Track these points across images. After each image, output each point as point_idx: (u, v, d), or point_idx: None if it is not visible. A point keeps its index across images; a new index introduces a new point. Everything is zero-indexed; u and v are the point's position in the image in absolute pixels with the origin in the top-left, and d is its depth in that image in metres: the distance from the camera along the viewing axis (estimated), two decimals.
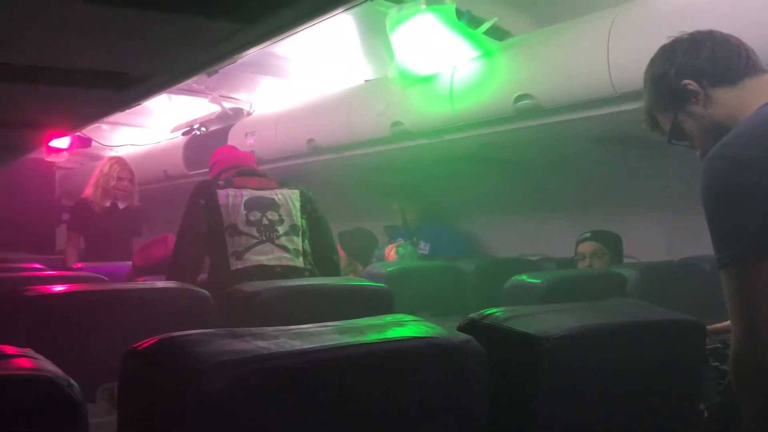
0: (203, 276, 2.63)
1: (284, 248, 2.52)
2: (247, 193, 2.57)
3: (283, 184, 2.69)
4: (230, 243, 2.50)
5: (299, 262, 2.54)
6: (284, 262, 2.51)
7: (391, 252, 4.01)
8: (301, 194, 2.66)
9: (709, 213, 1.29)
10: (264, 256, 2.49)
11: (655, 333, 1.17)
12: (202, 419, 0.79)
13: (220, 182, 2.62)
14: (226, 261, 2.49)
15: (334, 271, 2.73)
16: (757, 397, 1.20)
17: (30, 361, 0.84)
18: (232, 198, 2.55)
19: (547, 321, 1.11)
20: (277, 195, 2.60)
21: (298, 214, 2.60)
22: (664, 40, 2.25)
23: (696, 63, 1.48)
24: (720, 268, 1.25)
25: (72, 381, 0.78)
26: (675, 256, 3.13)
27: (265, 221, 2.53)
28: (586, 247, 2.95)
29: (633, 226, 3.20)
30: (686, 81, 1.48)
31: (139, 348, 0.89)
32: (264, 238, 2.51)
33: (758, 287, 1.21)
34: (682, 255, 3.02)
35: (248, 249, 2.49)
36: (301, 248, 2.56)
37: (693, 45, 1.51)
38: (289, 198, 2.62)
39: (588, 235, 2.98)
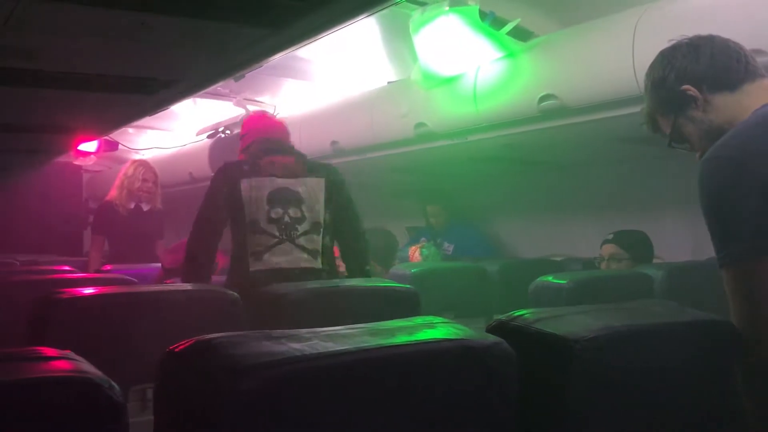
0: (219, 278, 2.67)
1: (303, 248, 2.53)
2: (272, 184, 2.55)
3: (311, 167, 2.64)
4: (251, 241, 2.51)
5: (317, 263, 2.55)
6: (302, 264, 2.52)
7: (415, 253, 4.01)
8: (327, 183, 2.62)
9: (706, 214, 1.33)
10: (283, 257, 2.51)
11: (687, 334, 1.17)
12: (239, 420, 0.81)
13: (245, 167, 2.59)
14: (246, 260, 2.51)
15: (359, 257, 2.71)
16: (759, 394, 1.23)
17: (71, 362, 0.86)
18: (256, 190, 2.53)
19: (576, 322, 1.11)
20: (301, 186, 2.58)
21: (322, 208, 2.58)
22: None
23: (696, 68, 1.50)
24: (720, 268, 1.29)
25: (112, 382, 0.80)
26: (701, 255, 3.11)
27: (286, 218, 2.53)
28: (606, 250, 2.93)
29: (659, 226, 3.18)
30: (686, 86, 1.50)
31: (176, 350, 0.91)
32: (284, 237, 2.52)
33: (757, 287, 1.24)
34: (708, 255, 2.99)
35: (268, 249, 2.50)
36: (320, 247, 2.56)
37: (693, 50, 1.52)
38: (314, 190, 2.59)
39: (610, 236, 2.96)
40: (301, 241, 2.53)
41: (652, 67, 1.60)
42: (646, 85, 1.62)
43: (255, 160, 2.61)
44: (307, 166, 2.64)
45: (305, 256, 2.53)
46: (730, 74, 1.48)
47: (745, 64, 1.48)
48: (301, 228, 2.54)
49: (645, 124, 1.66)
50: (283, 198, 2.55)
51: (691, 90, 1.49)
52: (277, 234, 2.52)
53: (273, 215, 2.52)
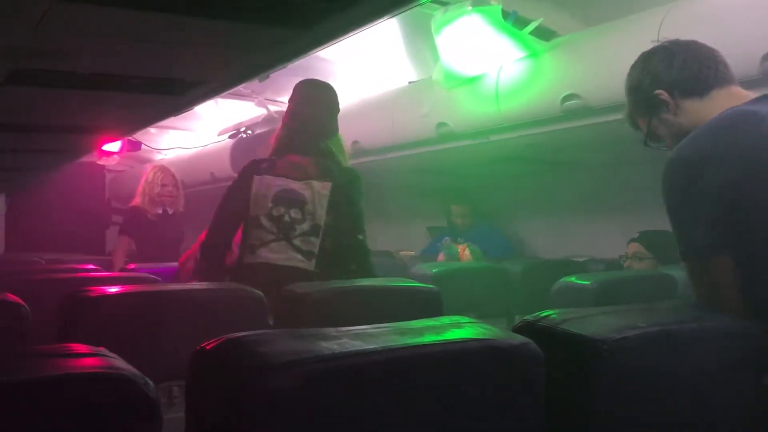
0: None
1: (298, 249, 2.55)
2: (281, 184, 2.60)
3: (324, 170, 2.64)
4: (249, 234, 2.57)
5: (311, 264, 2.56)
6: (294, 263, 2.54)
7: (465, 251, 3.98)
8: (333, 187, 2.61)
9: (667, 211, 1.45)
10: (276, 254, 2.54)
11: (716, 337, 1.16)
12: (270, 417, 0.82)
13: (264, 164, 2.65)
14: (242, 252, 2.58)
15: (349, 258, 2.64)
16: None
17: (105, 359, 0.88)
18: (265, 188, 2.59)
19: (604, 323, 1.11)
20: (307, 190, 2.60)
21: (323, 212, 2.59)
22: (714, 39, 2.23)
23: (668, 74, 1.61)
24: (682, 260, 1.41)
25: (147, 379, 0.82)
26: None
27: (287, 218, 2.56)
28: (630, 248, 2.92)
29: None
30: (659, 91, 1.61)
31: (207, 347, 0.92)
32: (281, 236, 2.55)
33: (713, 279, 1.36)
34: None
35: (264, 244, 2.55)
36: (316, 250, 2.57)
37: (668, 56, 1.63)
38: (319, 193, 2.60)
39: (636, 235, 2.94)
40: (297, 241, 2.56)
41: (631, 70, 1.71)
42: (626, 88, 1.73)
43: (275, 159, 2.66)
44: (321, 169, 2.64)
45: (299, 256, 2.55)
46: (699, 81, 1.58)
47: (715, 71, 1.58)
48: (300, 229, 2.57)
49: (626, 122, 1.79)
50: (286, 198, 2.59)
51: (663, 95, 1.61)
52: (275, 231, 2.56)
53: (274, 213, 2.57)
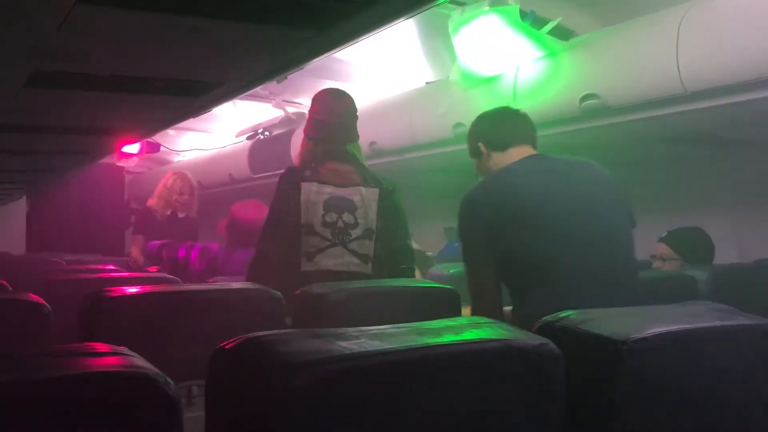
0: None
1: (354, 253, 2.56)
2: (329, 191, 2.60)
3: (366, 177, 2.67)
4: (304, 242, 2.54)
5: (367, 267, 2.58)
6: (352, 268, 2.55)
7: None
8: (381, 193, 2.65)
9: (457, 231, 2.13)
10: (333, 260, 2.54)
11: (738, 338, 1.15)
12: (289, 416, 0.82)
13: (307, 172, 2.63)
14: (297, 260, 2.55)
15: (398, 259, 2.69)
16: None
17: (126, 358, 0.89)
18: (315, 195, 2.58)
19: (623, 323, 1.10)
20: (356, 195, 2.62)
21: (374, 216, 2.62)
22: (734, 38, 2.21)
23: (486, 132, 2.26)
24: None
25: (168, 378, 0.82)
26: (748, 258, 3.04)
27: (340, 223, 2.57)
28: (658, 249, 2.89)
29: (703, 227, 3.12)
30: (479, 143, 2.25)
31: (227, 347, 0.93)
32: (337, 241, 2.55)
33: (477, 280, 2.05)
34: (755, 257, 2.94)
35: (320, 251, 2.54)
36: (372, 253, 2.60)
37: (489, 118, 2.29)
38: (368, 199, 2.63)
39: (664, 235, 2.91)
40: (354, 245, 2.57)
41: (471, 125, 2.35)
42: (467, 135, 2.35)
43: (316, 166, 2.66)
44: (363, 176, 2.67)
45: (356, 260, 2.56)
46: (503, 139, 2.19)
47: (512, 132, 2.20)
48: (354, 233, 2.58)
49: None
50: (338, 204, 2.59)
51: (481, 146, 2.24)
52: (330, 237, 2.55)
53: (327, 219, 2.56)
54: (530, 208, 1.95)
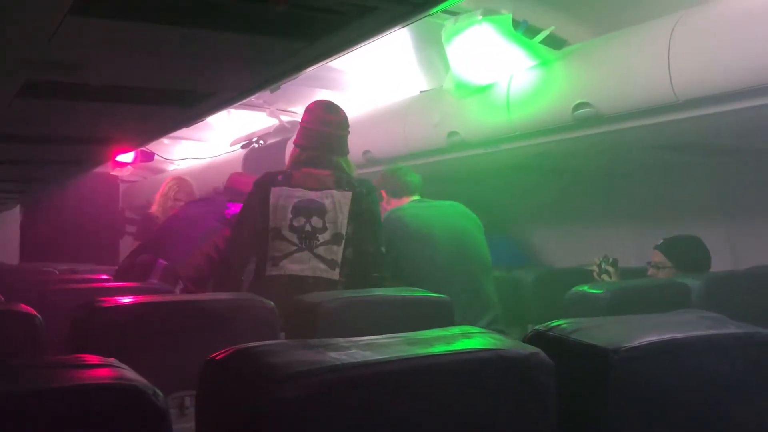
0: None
1: (321, 258, 2.55)
2: (299, 195, 2.60)
3: (341, 181, 2.65)
4: (271, 246, 2.56)
5: (334, 273, 2.55)
6: (318, 273, 2.54)
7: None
8: (354, 196, 2.63)
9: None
10: (299, 265, 2.54)
11: (728, 347, 1.15)
12: (279, 428, 0.82)
13: (280, 176, 2.65)
14: (264, 264, 2.57)
15: (370, 267, 2.63)
16: None
17: (115, 370, 0.88)
18: (284, 199, 2.59)
19: (615, 332, 1.10)
20: (327, 199, 2.61)
21: (345, 220, 2.59)
22: (726, 46, 2.22)
23: (389, 185, 3.15)
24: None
25: (157, 390, 0.82)
26: (741, 265, 3.05)
27: (308, 228, 2.56)
28: (654, 257, 2.89)
29: (698, 235, 3.14)
30: (382, 190, 3.06)
31: (217, 358, 0.92)
32: (303, 246, 2.55)
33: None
34: (748, 264, 2.94)
35: (286, 256, 2.54)
36: (339, 258, 2.57)
37: (389, 174, 3.21)
38: (340, 202, 2.61)
39: (660, 242, 2.90)
40: (320, 250, 2.56)
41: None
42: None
43: (291, 171, 2.67)
44: (338, 180, 2.66)
45: (322, 266, 2.55)
46: (397, 190, 3.12)
47: (406, 188, 3.13)
48: (322, 238, 2.57)
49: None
50: (307, 208, 2.59)
51: (383, 193, 3.09)
52: (296, 242, 2.55)
53: (295, 223, 2.57)
54: (411, 231, 2.90)
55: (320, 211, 2.59)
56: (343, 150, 2.78)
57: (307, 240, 2.56)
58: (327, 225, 2.58)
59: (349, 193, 2.63)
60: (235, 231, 2.69)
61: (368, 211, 2.66)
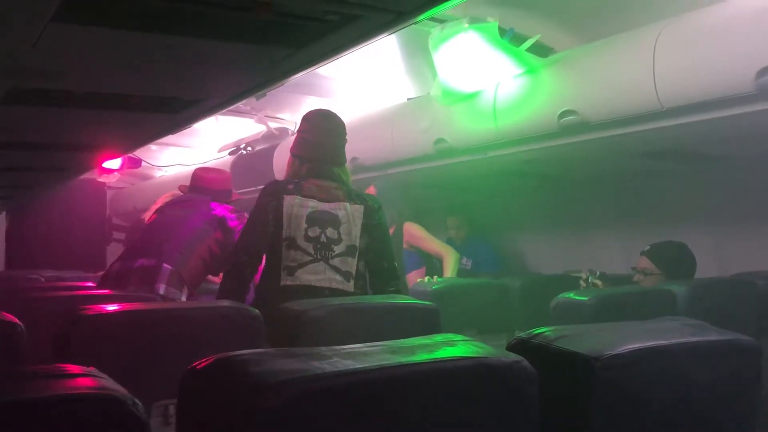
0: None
1: (336, 269, 2.53)
2: (312, 205, 2.57)
3: (351, 194, 2.66)
4: (285, 256, 2.51)
5: (349, 285, 2.54)
6: (333, 285, 2.52)
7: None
8: (366, 210, 2.63)
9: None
10: (315, 275, 2.51)
11: (710, 353, 1.15)
12: None
13: (290, 186, 2.61)
14: (277, 274, 2.51)
15: (384, 276, 2.67)
16: None
17: (95, 380, 0.88)
18: (298, 208, 2.55)
19: (598, 340, 1.11)
20: (341, 211, 2.60)
21: (358, 233, 2.59)
22: (710, 55, 2.24)
23: None
24: None
25: (136, 400, 0.81)
26: (727, 271, 3.07)
27: (323, 238, 2.54)
28: (640, 263, 2.89)
29: (685, 241, 3.16)
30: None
31: (198, 367, 0.92)
32: (319, 257, 2.52)
33: None
34: (734, 271, 2.96)
35: (301, 266, 2.50)
36: (354, 270, 2.57)
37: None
38: (353, 215, 2.60)
39: (646, 248, 2.91)
40: (336, 261, 2.54)
41: None
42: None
43: (300, 181, 2.63)
44: (348, 193, 2.65)
45: (338, 277, 2.53)
46: None
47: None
48: (337, 249, 2.55)
49: None
50: (321, 219, 2.56)
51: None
52: (312, 252, 2.52)
53: (310, 233, 2.53)
54: None
55: (335, 222, 2.57)
56: (342, 159, 2.75)
57: (323, 251, 2.53)
58: (342, 236, 2.56)
59: (361, 207, 2.63)
60: (246, 239, 2.59)
61: (380, 225, 2.67)
